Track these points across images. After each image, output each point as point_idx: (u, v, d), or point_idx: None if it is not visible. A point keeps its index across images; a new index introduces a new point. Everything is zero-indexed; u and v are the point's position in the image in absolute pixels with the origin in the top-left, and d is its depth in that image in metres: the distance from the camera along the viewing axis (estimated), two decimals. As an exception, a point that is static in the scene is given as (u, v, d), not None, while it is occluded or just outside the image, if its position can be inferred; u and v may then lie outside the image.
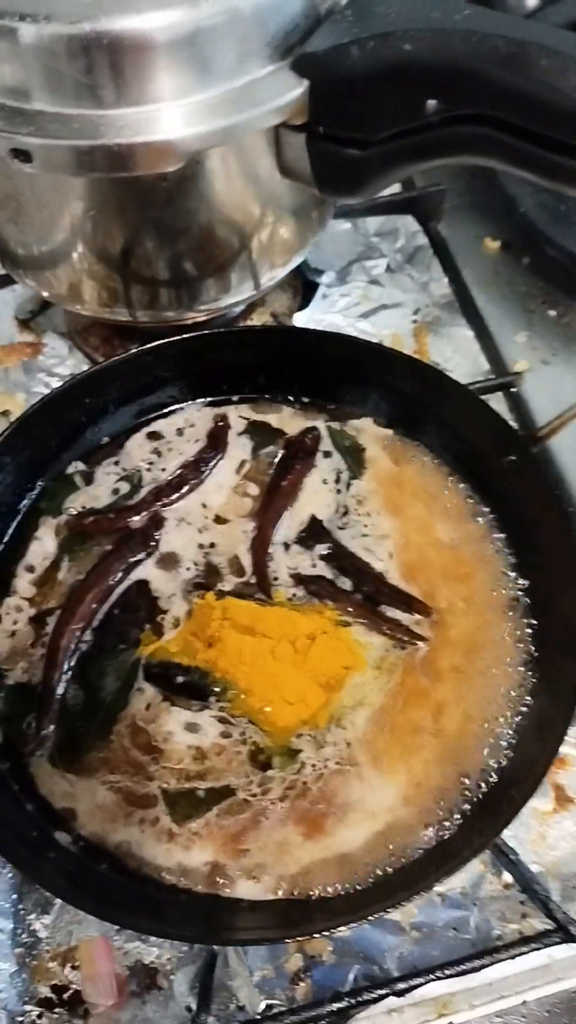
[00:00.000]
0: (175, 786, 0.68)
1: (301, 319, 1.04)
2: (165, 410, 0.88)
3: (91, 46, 0.67)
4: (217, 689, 0.72)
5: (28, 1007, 0.70)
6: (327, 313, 1.05)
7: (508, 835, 0.76)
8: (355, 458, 0.85)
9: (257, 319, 1.03)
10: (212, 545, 0.80)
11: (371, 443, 0.85)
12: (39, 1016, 0.70)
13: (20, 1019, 0.70)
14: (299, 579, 0.77)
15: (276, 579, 0.78)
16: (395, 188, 1.10)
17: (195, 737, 0.70)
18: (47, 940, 0.73)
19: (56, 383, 1.01)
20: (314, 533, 0.80)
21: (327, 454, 0.85)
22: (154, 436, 0.87)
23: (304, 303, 1.06)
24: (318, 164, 0.77)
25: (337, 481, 0.83)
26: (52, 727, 0.71)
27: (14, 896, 0.74)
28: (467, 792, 0.68)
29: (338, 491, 0.83)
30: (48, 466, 0.82)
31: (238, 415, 0.87)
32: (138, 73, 0.68)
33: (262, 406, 0.88)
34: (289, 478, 0.83)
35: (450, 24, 0.68)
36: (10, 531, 0.80)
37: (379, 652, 0.74)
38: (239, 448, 0.86)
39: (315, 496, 0.83)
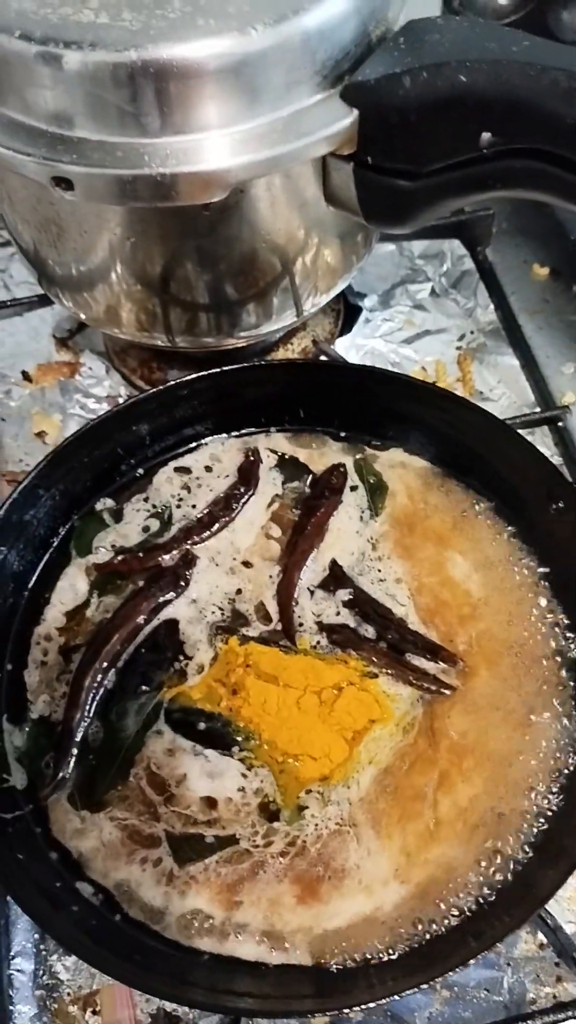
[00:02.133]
0: (181, 829, 0.67)
1: (342, 344, 1.02)
2: (194, 443, 0.86)
3: (137, 74, 0.65)
4: (239, 738, 0.70)
5: (47, 1053, 0.69)
6: (369, 338, 1.03)
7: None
8: (377, 496, 0.83)
9: (298, 344, 1.01)
10: (239, 591, 0.78)
11: (396, 480, 0.83)
12: (58, 1062, 0.69)
13: (39, 1065, 0.68)
14: (323, 627, 0.75)
15: (301, 625, 0.76)
16: (442, 211, 1.07)
17: (209, 785, 0.69)
18: (68, 983, 0.71)
19: (93, 404, 1.00)
20: (335, 578, 0.78)
21: (353, 488, 0.83)
22: (182, 471, 0.85)
23: (346, 328, 1.04)
24: (365, 194, 0.75)
25: (361, 519, 0.81)
26: (70, 770, 0.70)
27: (36, 936, 0.73)
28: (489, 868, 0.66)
29: (358, 532, 0.81)
30: (81, 501, 0.81)
31: (268, 449, 0.85)
32: (184, 102, 0.67)
33: (300, 439, 0.87)
34: (314, 520, 0.81)
35: (508, 55, 0.66)
36: (41, 565, 0.79)
37: (407, 704, 0.72)
38: (269, 484, 0.84)
39: (340, 537, 0.81)
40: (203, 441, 0.86)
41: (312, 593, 0.77)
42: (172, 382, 0.82)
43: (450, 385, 1.00)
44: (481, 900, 0.64)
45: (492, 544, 0.79)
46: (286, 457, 0.85)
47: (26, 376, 1.02)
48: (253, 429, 0.87)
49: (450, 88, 0.66)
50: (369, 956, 0.63)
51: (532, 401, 0.98)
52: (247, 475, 0.83)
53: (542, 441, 0.94)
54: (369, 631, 0.75)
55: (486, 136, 0.67)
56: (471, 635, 0.74)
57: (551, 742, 0.70)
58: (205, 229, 0.77)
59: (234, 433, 0.87)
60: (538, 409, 0.96)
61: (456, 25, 0.70)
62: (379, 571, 0.78)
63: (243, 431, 0.87)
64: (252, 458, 0.84)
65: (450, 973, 0.60)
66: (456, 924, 0.64)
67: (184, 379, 0.82)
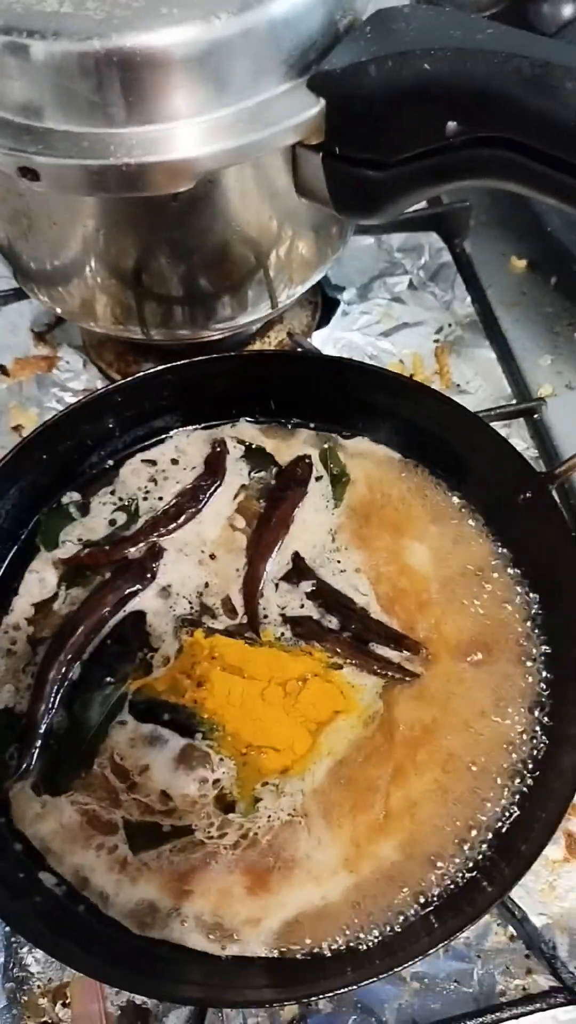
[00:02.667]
0: (138, 817, 0.67)
1: (320, 337, 1.02)
2: (160, 436, 0.86)
3: (101, 63, 0.65)
4: (203, 729, 0.70)
5: (17, 1045, 0.69)
6: (347, 331, 1.02)
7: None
8: (338, 487, 0.82)
9: (275, 337, 1.01)
10: (207, 585, 0.77)
11: (359, 469, 0.83)
12: (27, 1054, 0.69)
13: (8, 1057, 0.68)
14: (287, 619, 0.75)
15: (266, 617, 0.76)
16: (420, 204, 1.06)
17: (170, 776, 0.68)
18: (38, 975, 0.71)
19: (69, 398, 1.00)
20: (298, 570, 0.78)
21: (318, 478, 0.83)
22: (149, 463, 0.85)
23: (324, 320, 1.04)
24: (335, 185, 0.75)
25: (325, 510, 0.81)
26: (34, 761, 0.69)
27: (6, 929, 0.72)
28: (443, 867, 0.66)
29: (321, 524, 0.81)
30: (47, 495, 0.81)
31: (235, 439, 0.85)
32: (150, 91, 0.67)
33: (267, 429, 0.86)
34: (279, 512, 0.80)
35: (472, 43, 0.65)
36: (8, 557, 0.78)
37: (370, 695, 0.71)
38: (236, 474, 0.83)
39: (305, 529, 0.80)
40: (169, 433, 0.86)
41: (277, 586, 0.77)
42: (139, 374, 0.82)
43: (427, 378, 0.99)
44: (435, 894, 0.64)
45: (456, 532, 0.79)
46: (253, 447, 0.84)
47: (3, 370, 1.02)
48: (219, 421, 0.87)
49: (415, 77, 0.66)
50: (324, 947, 0.62)
51: (509, 393, 0.98)
52: (214, 466, 0.83)
53: (518, 433, 0.94)
54: (333, 622, 0.75)
55: (452, 125, 0.67)
56: (431, 622, 0.74)
57: (512, 732, 0.70)
58: (176, 220, 0.77)
59: (200, 425, 0.87)
60: (514, 401, 0.96)
61: (422, 14, 0.70)
62: (339, 562, 0.78)
63: (210, 423, 0.87)
64: (219, 449, 0.84)
65: (413, 964, 0.60)
66: (411, 917, 0.63)
67: (150, 371, 0.82)
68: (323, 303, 1.05)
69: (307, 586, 0.76)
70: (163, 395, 0.83)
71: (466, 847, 0.66)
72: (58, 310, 0.92)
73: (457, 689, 0.71)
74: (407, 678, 0.71)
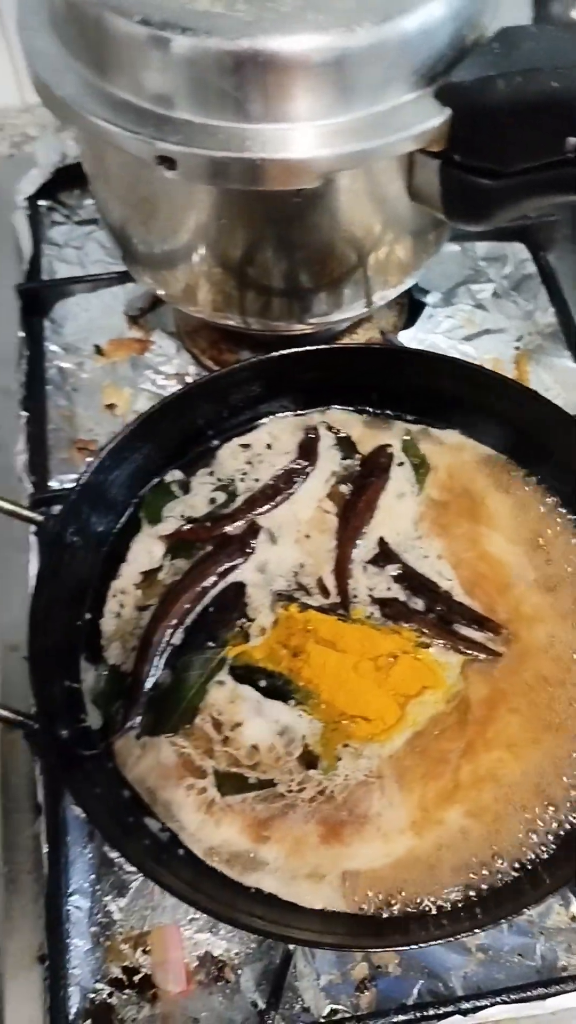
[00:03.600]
0: (226, 768, 0.71)
1: (405, 337, 1.05)
2: (256, 421, 0.89)
3: (246, 62, 0.69)
4: (298, 696, 0.73)
5: (100, 985, 0.72)
6: (431, 333, 1.06)
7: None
8: (420, 476, 0.86)
9: (363, 334, 1.05)
10: (302, 564, 0.81)
11: (440, 460, 0.87)
12: (109, 995, 0.72)
13: (92, 996, 0.72)
14: (375, 600, 0.78)
15: (356, 597, 0.79)
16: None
17: (260, 734, 0.72)
18: (121, 923, 0.75)
19: (162, 380, 1.04)
20: (384, 554, 0.81)
21: (400, 464, 0.87)
22: (245, 447, 0.88)
23: (409, 322, 1.07)
24: (448, 191, 0.78)
25: (406, 497, 0.85)
26: (139, 718, 0.73)
27: (92, 876, 0.76)
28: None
29: (403, 511, 0.84)
30: (153, 472, 0.85)
31: (326, 427, 0.89)
32: (288, 91, 0.70)
33: (356, 418, 0.90)
34: (364, 498, 0.84)
35: (599, 65, 0.69)
36: (117, 527, 0.82)
37: (454, 674, 0.75)
38: (328, 460, 0.87)
39: (389, 515, 0.84)
40: (263, 420, 0.90)
41: (365, 568, 0.81)
42: (253, 358, 0.86)
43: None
44: (499, 868, 0.68)
45: (538, 522, 0.82)
46: (342, 435, 0.88)
47: (98, 350, 1.06)
48: (311, 408, 0.90)
49: (541, 93, 0.70)
50: (394, 905, 0.67)
51: (586, 402, 1.01)
52: (307, 451, 0.87)
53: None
54: (419, 604, 0.78)
55: (572, 141, 0.71)
56: (511, 604, 0.78)
57: None
58: (291, 216, 0.81)
59: (293, 412, 0.90)
60: (593, 410, 0.99)
61: (550, 34, 0.74)
62: (421, 547, 0.82)
63: (302, 410, 0.90)
64: (312, 435, 0.88)
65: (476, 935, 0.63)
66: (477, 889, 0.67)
67: (263, 357, 0.85)
68: (409, 305, 1.08)
69: (393, 569, 0.80)
70: (265, 381, 0.87)
71: (535, 830, 0.69)
72: (160, 293, 0.96)
73: (535, 670, 0.75)
74: (490, 656, 0.75)
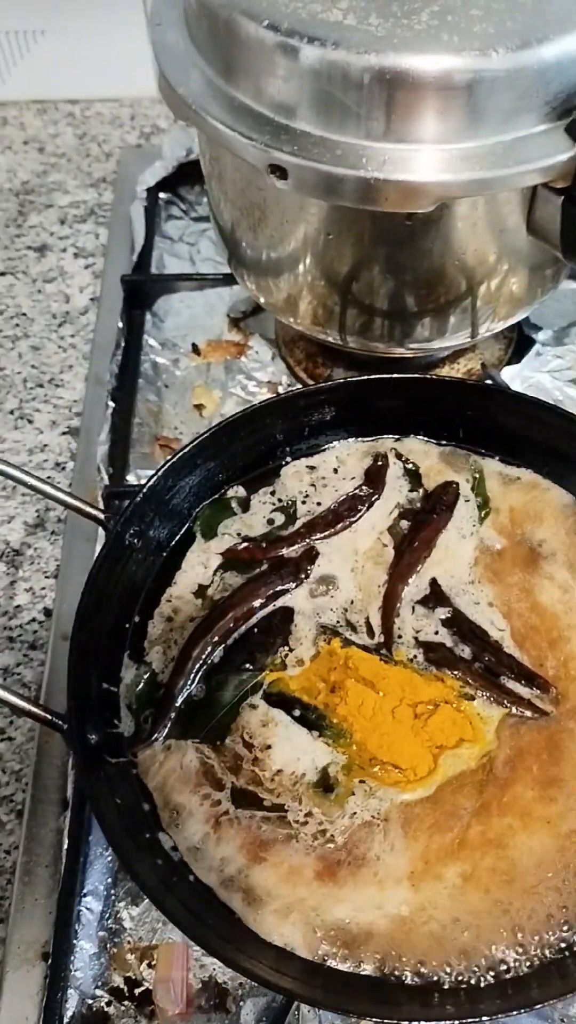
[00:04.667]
0: (243, 785, 0.69)
1: (509, 373, 1.01)
2: (324, 444, 0.87)
3: (374, 78, 0.67)
4: (330, 733, 0.71)
5: (99, 992, 0.71)
6: (537, 372, 1.01)
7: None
8: (482, 516, 0.82)
9: (464, 364, 1.01)
10: (352, 600, 0.78)
11: (506, 500, 0.83)
12: (107, 1004, 0.71)
13: (90, 1002, 0.71)
14: (420, 643, 0.75)
15: (400, 638, 0.76)
16: None
17: (288, 759, 0.70)
18: (131, 932, 0.74)
19: (253, 387, 1.03)
20: (436, 596, 0.78)
21: (467, 500, 0.83)
22: (310, 468, 0.86)
23: (516, 357, 1.03)
24: (569, 229, 0.74)
25: (466, 538, 0.81)
26: (165, 733, 0.72)
27: (109, 880, 0.75)
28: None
29: (462, 553, 0.81)
30: (218, 485, 0.83)
31: (396, 455, 0.86)
32: (412, 111, 0.68)
33: (432, 451, 0.87)
34: (423, 535, 0.80)
35: None
36: (178, 536, 0.82)
37: (492, 730, 0.71)
38: (395, 490, 0.84)
39: (447, 555, 0.80)
40: (332, 442, 0.87)
41: (413, 608, 0.78)
42: (333, 382, 0.84)
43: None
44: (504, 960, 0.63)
45: None
46: (410, 466, 0.85)
47: (195, 349, 1.05)
48: (384, 435, 0.87)
49: None
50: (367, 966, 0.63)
51: None
52: (374, 478, 0.84)
53: None
54: (465, 651, 0.75)
55: None
56: (560, 660, 0.74)
57: None
58: (401, 238, 0.78)
59: (363, 437, 0.87)
60: None
61: None
62: (474, 593, 0.78)
63: (374, 436, 0.87)
64: (380, 463, 0.85)
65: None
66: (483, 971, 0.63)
67: (342, 381, 0.84)
68: (518, 340, 1.04)
69: (443, 612, 0.77)
70: (343, 405, 0.85)
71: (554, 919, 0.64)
72: (262, 300, 0.95)
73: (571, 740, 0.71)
74: (536, 715, 0.71)
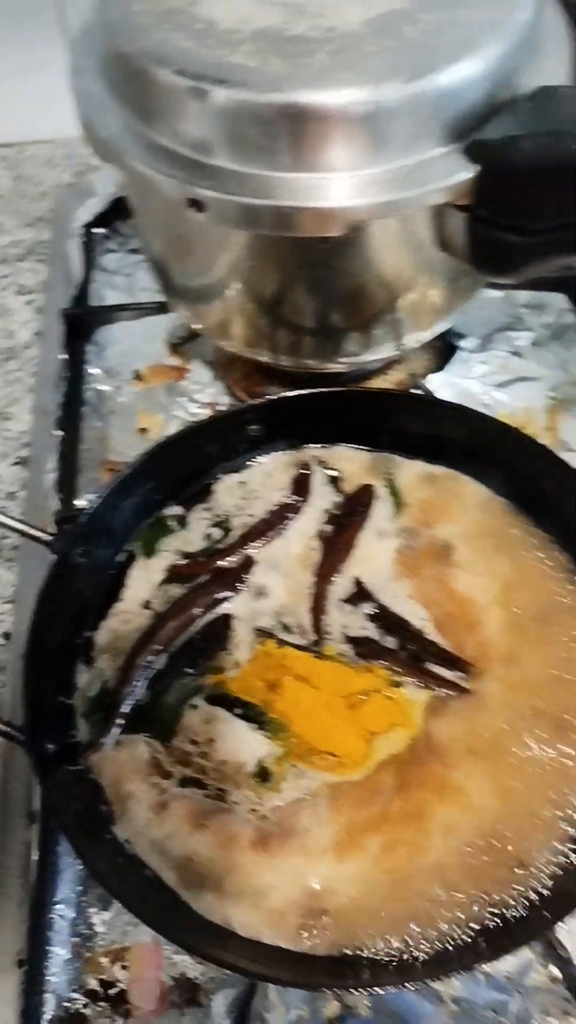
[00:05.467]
0: (190, 775, 0.73)
1: (437, 380, 1.06)
2: (254, 456, 0.91)
3: (278, 115, 0.71)
4: (270, 728, 0.75)
5: (75, 995, 0.74)
6: (464, 378, 1.06)
7: (562, 928, 0.75)
8: (398, 514, 0.87)
9: (393, 375, 1.06)
10: (284, 604, 0.82)
11: (416, 495, 0.88)
12: (84, 1006, 0.74)
13: (66, 1004, 0.74)
14: (349, 639, 0.80)
15: (329, 634, 0.80)
16: (551, 265, 1.11)
17: (231, 752, 0.74)
18: (103, 936, 0.77)
19: (195, 408, 1.06)
20: (360, 593, 0.82)
21: (384, 501, 0.88)
22: (241, 483, 0.90)
23: (442, 365, 1.08)
24: (476, 244, 0.79)
25: (383, 536, 0.86)
26: (112, 737, 0.75)
27: (79, 888, 0.78)
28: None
29: (379, 550, 0.85)
30: (156, 506, 0.87)
31: (319, 464, 0.90)
32: (317, 143, 0.73)
33: (345, 455, 0.91)
34: (343, 537, 0.85)
35: (624, 130, 0.69)
36: (124, 552, 0.85)
37: (420, 712, 0.76)
38: (321, 497, 0.88)
39: (367, 555, 0.85)
40: (259, 456, 0.91)
41: (341, 607, 0.82)
42: (266, 398, 0.89)
43: (536, 433, 1.03)
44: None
45: (530, 565, 0.83)
46: (332, 472, 0.90)
47: (137, 375, 1.09)
48: (309, 444, 0.92)
49: (565, 156, 0.70)
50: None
51: (616, 458, 1.00)
52: (301, 487, 0.88)
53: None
54: (391, 642, 0.79)
55: (595, 203, 0.71)
56: (478, 641, 0.79)
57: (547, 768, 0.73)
58: (321, 260, 0.83)
59: (289, 448, 0.92)
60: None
61: (580, 96, 0.75)
62: (396, 587, 0.83)
63: (299, 446, 0.92)
64: (305, 472, 0.89)
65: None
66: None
67: (267, 400, 0.88)
68: (444, 349, 1.09)
69: (368, 608, 0.81)
70: (271, 421, 0.89)
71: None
72: (197, 326, 0.99)
73: (503, 715, 0.75)
74: (460, 694, 0.76)
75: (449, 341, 1.09)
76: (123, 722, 0.75)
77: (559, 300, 1.12)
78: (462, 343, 1.09)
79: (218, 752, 0.74)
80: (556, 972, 0.75)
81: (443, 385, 1.05)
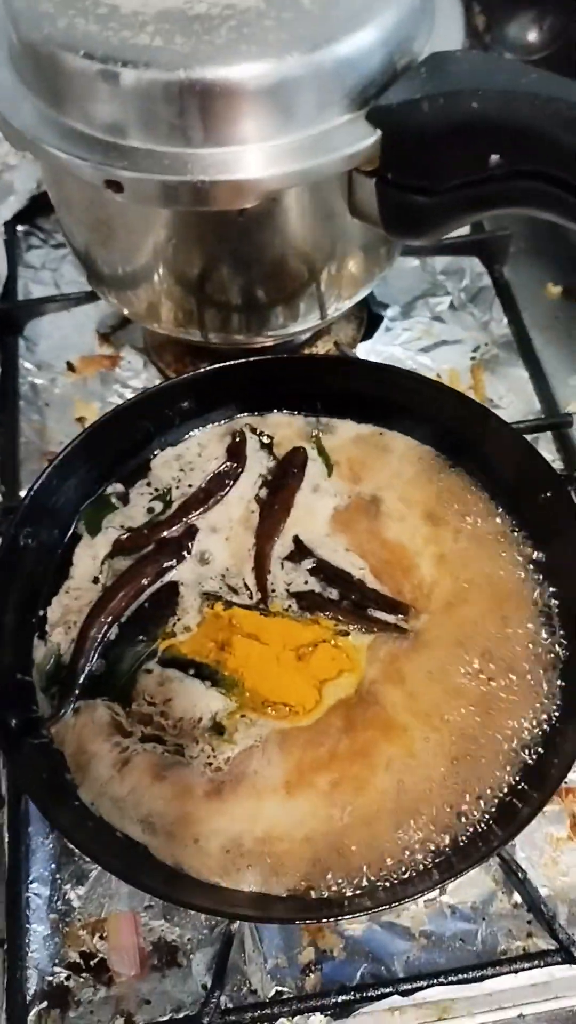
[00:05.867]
0: (150, 732, 0.76)
1: (364, 349, 1.09)
2: (189, 431, 0.94)
3: (185, 92, 0.73)
4: (224, 685, 0.78)
5: (58, 969, 0.76)
6: (389, 345, 1.10)
7: (521, 856, 0.79)
8: (331, 474, 0.91)
9: (322, 346, 1.09)
10: (228, 568, 0.85)
11: (343, 453, 0.91)
12: (67, 978, 0.75)
13: (50, 979, 0.75)
14: (292, 594, 0.83)
15: (274, 591, 0.84)
16: (463, 230, 1.14)
17: (186, 709, 0.77)
18: (79, 910, 0.78)
19: (130, 394, 1.08)
20: (299, 551, 0.86)
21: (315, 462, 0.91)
22: (177, 456, 0.93)
23: (368, 334, 1.11)
24: (386, 208, 0.82)
25: (317, 494, 0.90)
26: (70, 708, 0.77)
27: (52, 866, 0.80)
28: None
29: (315, 508, 0.89)
30: (96, 484, 0.89)
31: (251, 430, 0.93)
32: (226, 118, 0.74)
33: (275, 420, 0.95)
34: (279, 498, 0.88)
35: (517, 86, 0.72)
36: (68, 534, 0.87)
37: (364, 657, 0.80)
38: (256, 462, 0.91)
39: (305, 514, 0.88)
40: (192, 431, 0.94)
41: (282, 564, 0.85)
42: (193, 371, 0.91)
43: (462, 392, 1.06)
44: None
45: (465, 510, 0.88)
46: (264, 439, 0.93)
47: (70, 366, 1.11)
48: (237, 415, 0.95)
49: (463, 114, 0.73)
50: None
51: (538, 409, 1.05)
52: (236, 454, 0.91)
53: (546, 447, 1.01)
54: (333, 594, 0.83)
55: (495, 158, 0.74)
56: (415, 583, 0.83)
57: (495, 699, 0.77)
58: (239, 234, 0.85)
59: (225, 421, 0.95)
60: (543, 416, 1.03)
61: (473, 58, 0.78)
62: (333, 542, 0.87)
63: (228, 417, 0.95)
64: (239, 439, 0.92)
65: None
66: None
67: (192, 374, 0.91)
68: (368, 318, 1.13)
69: (308, 564, 0.85)
70: (202, 394, 0.92)
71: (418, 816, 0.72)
72: (125, 311, 1.00)
73: (439, 650, 0.79)
74: (401, 635, 0.80)
75: (373, 311, 1.12)
76: (79, 692, 0.77)
77: (474, 264, 1.16)
78: (385, 312, 1.12)
79: (175, 710, 0.76)
80: (517, 898, 0.78)
81: (370, 353, 1.08)
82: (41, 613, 0.81)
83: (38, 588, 0.82)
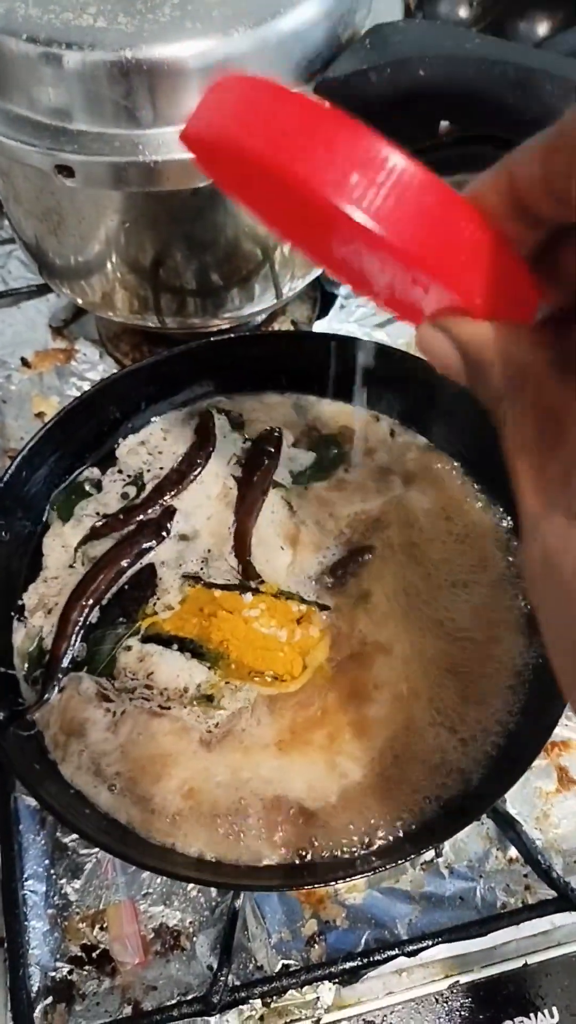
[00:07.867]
0: (136, 697, 0.77)
1: (320, 327, 1.09)
2: (150, 417, 0.94)
3: (131, 72, 0.73)
4: (209, 659, 0.78)
5: (60, 964, 0.75)
6: (344, 323, 1.10)
7: (514, 812, 0.80)
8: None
9: (278, 326, 1.09)
10: (208, 549, 0.85)
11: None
12: (69, 973, 0.74)
13: (53, 975, 0.74)
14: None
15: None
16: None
17: (170, 679, 0.77)
18: (77, 903, 0.77)
19: (87, 387, 1.07)
20: None
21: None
22: (143, 443, 0.92)
23: (323, 313, 1.11)
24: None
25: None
26: (55, 693, 0.77)
27: (46, 862, 0.78)
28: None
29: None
30: (66, 473, 0.89)
31: (217, 410, 0.94)
32: (173, 96, 0.74)
33: (245, 400, 0.95)
34: (257, 477, 0.88)
35: (462, 51, 0.73)
36: (43, 522, 0.87)
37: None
38: (228, 441, 0.91)
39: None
40: (160, 414, 0.94)
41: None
42: (155, 357, 0.91)
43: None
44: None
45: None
46: (233, 417, 0.94)
47: (25, 362, 1.09)
48: (206, 396, 0.95)
49: (411, 82, 0.74)
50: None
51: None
52: (204, 434, 0.91)
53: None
54: None
55: (444, 124, 0.76)
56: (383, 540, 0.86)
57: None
58: (192, 215, 0.84)
59: (188, 404, 0.95)
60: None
61: (417, 26, 0.79)
62: None
63: (196, 399, 0.95)
64: (205, 419, 0.92)
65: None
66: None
67: (178, 349, 0.91)
68: (322, 297, 1.13)
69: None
70: (165, 377, 0.92)
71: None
72: (79, 302, 0.99)
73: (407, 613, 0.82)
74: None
75: (327, 289, 1.13)
76: (61, 676, 0.77)
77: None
78: (339, 291, 1.13)
79: (159, 682, 0.77)
80: (512, 854, 0.79)
81: (326, 331, 1.08)
82: (20, 603, 0.80)
83: (14, 581, 0.80)
